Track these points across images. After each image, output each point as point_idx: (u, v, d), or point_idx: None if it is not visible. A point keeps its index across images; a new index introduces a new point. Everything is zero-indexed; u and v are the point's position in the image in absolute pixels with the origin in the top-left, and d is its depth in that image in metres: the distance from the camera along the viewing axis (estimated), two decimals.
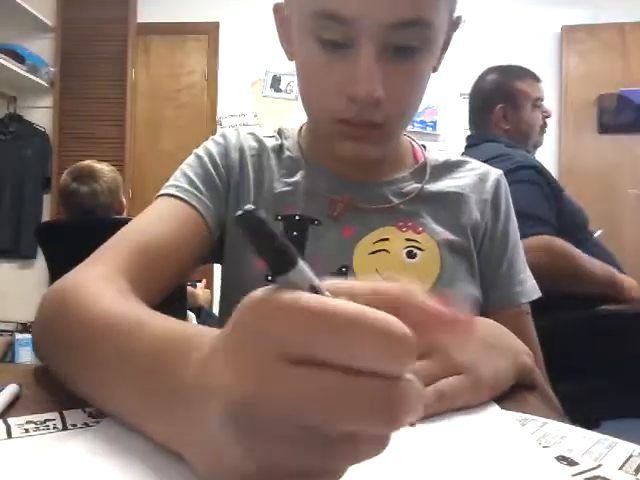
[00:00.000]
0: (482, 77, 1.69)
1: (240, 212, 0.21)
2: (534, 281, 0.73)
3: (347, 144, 0.61)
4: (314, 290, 0.22)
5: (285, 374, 0.21)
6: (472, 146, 1.63)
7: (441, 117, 3.66)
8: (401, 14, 0.53)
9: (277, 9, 0.65)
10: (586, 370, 1.39)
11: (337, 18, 0.54)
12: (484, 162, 0.76)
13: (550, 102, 3.61)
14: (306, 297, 0.21)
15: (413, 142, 0.77)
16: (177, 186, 0.66)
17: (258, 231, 0.21)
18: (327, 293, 0.23)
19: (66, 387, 0.41)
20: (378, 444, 0.22)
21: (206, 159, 0.69)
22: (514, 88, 1.62)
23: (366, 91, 0.55)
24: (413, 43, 0.56)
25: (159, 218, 0.62)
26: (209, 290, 2.47)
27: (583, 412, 1.34)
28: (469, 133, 1.74)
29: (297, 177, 0.70)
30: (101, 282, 0.48)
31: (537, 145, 1.69)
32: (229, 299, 0.71)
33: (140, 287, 0.50)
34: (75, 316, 0.42)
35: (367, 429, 0.21)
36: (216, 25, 3.79)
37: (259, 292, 0.22)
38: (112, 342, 0.36)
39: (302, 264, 0.22)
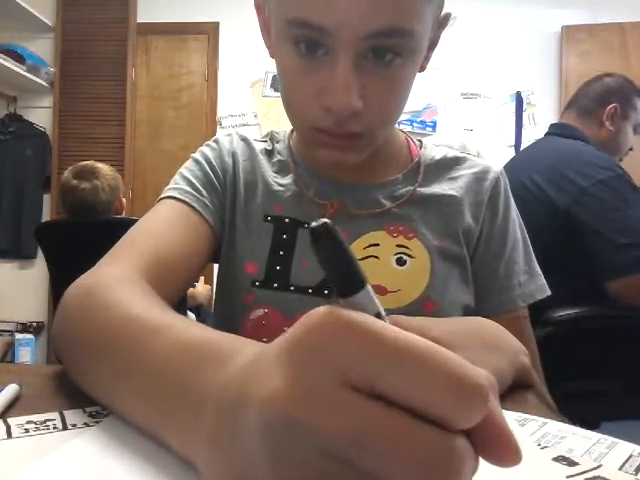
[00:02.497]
0: (608, 74, 1.66)
1: (315, 224, 0.20)
2: (542, 281, 0.70)
3: (325, 151, 0.60)
4: (380, 317, 0.21)
5: (341, 400, 0.19)
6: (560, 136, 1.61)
7: (441, 117, 3.66)
8: (379, 25, 0.51)
9: (258, 4, 0.63)
10: (589, 371, 1.39)
11: (312, 27, 0.51)
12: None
13: (550, 102, 3.62)
14: (381, 324, 0.20)
15: (409, 138, 0.75)
16: (179, 189, 0.66)
17: (330, 246, 0.20)
18: (390, 323, 0.21)
19: (78, 388, 0.41)
20: None
21: (204, 163, 0.70)
22: (633, 100, 1.60)
23: (342, 103, 0.53)
24: (393, 51, 0.53)
25: (168, 223, 0.62)
26: (209, 286, 2.46)
27: (585, 412, 1.35)
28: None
29: (287, 179, 0.70)
30: (124, 283, 0.47)
31: (620, 157, 1.67)
32: (221, 301, 0.72)
33: (156, 291, 0.49)
34: (99, 316, 0.41)
35: None
36: (216, 25, 3.79)
37: (328, 308, 0.20)
38: (131, 344, 0.35)
39: (369, 288, 0.21)
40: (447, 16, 0.61)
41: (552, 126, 1.72)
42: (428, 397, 0.19)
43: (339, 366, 0.19)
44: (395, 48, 0.53)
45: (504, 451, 0.20)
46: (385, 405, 0.19)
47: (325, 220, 0.20)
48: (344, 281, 0.20)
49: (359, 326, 0.19)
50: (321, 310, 0.20)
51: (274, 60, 0.61)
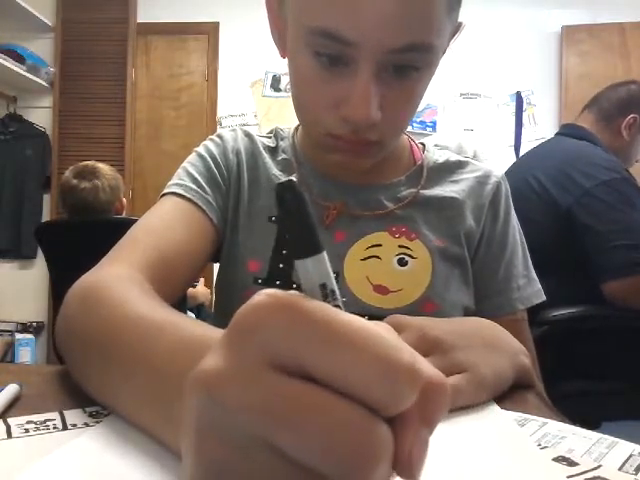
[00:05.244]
0: (635, 81, 1.63)
1: (282, 181, 0.20)
2: (538, 286, 0.71)
3: (338, 156, 0.60)
4: (325, 290, 0.21)
5: (260, 379, 0.19)
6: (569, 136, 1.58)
7: (441, 117, 3.66)
8: (404, 40, 0.51)
9: (268, 1, 0.62)
10: (585, 371, 1.40)
11: (336, 38, 0.51)
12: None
13: (550, 102, 3.63)
14: (316, 304, 0.19)
15: (412, 141, 0.75)
16: (183, 185, 0.66)
17: (294, 205, 0.20)
18: (338, 295, 0.21)
19: (80, 388, 0.41)
20: None
21: (208, 159, 0.69)
22: None
23: (362, 114, 0.53)
24: (414, 64, 0.54)
25: (170, 220, 0.62)
26: (209, 289, 2.47)
27: (585, 412, 1.35)
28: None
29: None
30: (126, 283, 0.47)
31: (628, 167, 1.63)
32: (222, 299, 0.71)
33: (157, 289, 0.49)
34: (102, 316, 0.41)
35: (326, 468, 0.18)
36: (216, 25, 3.79)
37: (264, 291, 0.20)
38: (136, 344, 0.35)
39: (325, 255, 0.21)
40: (459, 25, 0.61)
41: (563, 126, 1.71)
42: (353, 377, 0.18)
43: (268, 346, 0.19)
44: (416, 62, 0.54)
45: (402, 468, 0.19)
46: (307, 383, 0.18)
47: (292, 178, 0.20)
48: (300, 242, 0.20)
49: (291, 306, 0.19)
50: (260, 292, 0.20)
51: (287, 61, 0.60)
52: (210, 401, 0.19)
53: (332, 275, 0.21)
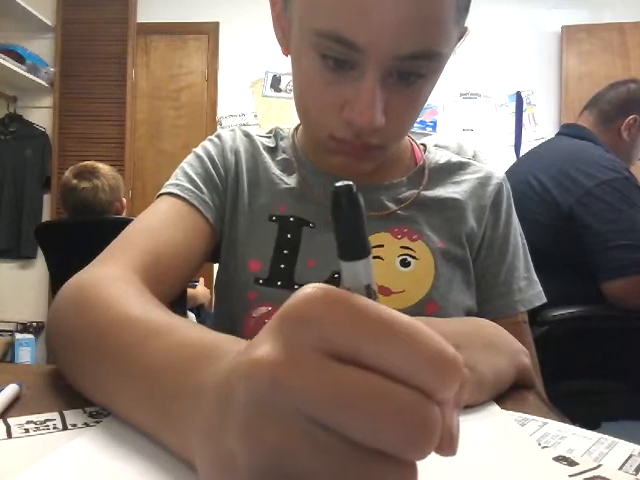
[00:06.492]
0: (634, 80, 1.61)
1: (340, 184, 0.20)
2: (539, 288, 0.71)
3: (340, 158, 0.60)
4: (369, 290, 0.22)
5: (322, 366, 0.20)
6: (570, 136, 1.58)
7: (441, 117, 3.66)
8: (412, 47, 0.50)
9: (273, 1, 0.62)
10: (586, 371, 1.40)
11: (344, 42, 0.50)
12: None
13: (550, 102, 3.63)
14: (366, 300, 0.21)
15: (413, 142, 0.75)
16: (179, 185, 0.66)
17: (350, 209, 0.20)
18: (379, 298, 0.22)
19: (73, 387, 0.41)
20: (400, 473, 0.20)
21: (206, 159, 0.69)
22: None
23: (367, 119, 0.52)
24: (420, 71, 0.54)
25: (166, 220, 0.62)
26: (209, 290, 2.47)
27: (585, 412, 1.35)
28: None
29: (292, 179, 0.69)
30: (120, 283, 0.46)
31: (629, 167, 1.62)
32: (222, 299, 0.71)
33: (152, 289, 0.49)
34: (95, 316, 0.40)
35: (390, 444, 0.19)
36: (216, 25, 3.79)
37: (312, 285, 0.21)
38: (131, 345, 0.35)
39: (371, 260, 0.22)
40: (464, 30, 0.60)
41: (563, 126, 1.70)
42: (408, 368, 0.20)
43: (324, 336, 0.20)
44: (422, 69, 0.54)
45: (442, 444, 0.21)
46: (366, 370, 0.20)
47: (350, 183, 0.20)
48: (350, 244, 0.21)
49: (345, 300, 0.20)
50: (311, 285, 0.21)
51: (290, 60, 0.60)
52: (273, 388, 0.20)
53: (374, 277, 0.22)
